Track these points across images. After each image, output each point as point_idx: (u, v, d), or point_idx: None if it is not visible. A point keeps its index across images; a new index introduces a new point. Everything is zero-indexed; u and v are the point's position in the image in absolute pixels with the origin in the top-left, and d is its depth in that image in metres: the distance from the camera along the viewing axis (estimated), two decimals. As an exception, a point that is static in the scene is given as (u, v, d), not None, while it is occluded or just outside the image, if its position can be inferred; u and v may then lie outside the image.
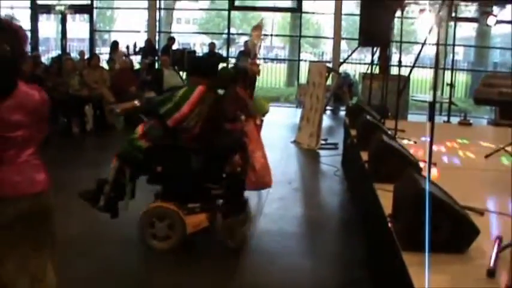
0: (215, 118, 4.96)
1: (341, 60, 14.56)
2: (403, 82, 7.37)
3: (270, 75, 19.52)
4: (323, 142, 9.65)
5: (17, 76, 2.55)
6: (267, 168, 4.94)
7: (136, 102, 6.00)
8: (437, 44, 4.43)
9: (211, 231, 5.06)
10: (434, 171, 5.11)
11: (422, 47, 5.62)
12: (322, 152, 9.31)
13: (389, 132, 5.93)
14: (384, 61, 9.99)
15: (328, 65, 11.26)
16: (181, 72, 13.09)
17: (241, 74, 6.24)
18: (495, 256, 3.13)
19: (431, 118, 9.34)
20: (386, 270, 3.77)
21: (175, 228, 4.83)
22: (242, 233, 5.07)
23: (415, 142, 6.59)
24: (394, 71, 11.38)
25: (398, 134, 6.38)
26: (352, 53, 13.65)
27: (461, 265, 3.19)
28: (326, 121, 12.45)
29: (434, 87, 4.94)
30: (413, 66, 6.25)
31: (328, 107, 13.08)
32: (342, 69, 14.06)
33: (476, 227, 3.37)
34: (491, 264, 3.04)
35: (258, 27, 9.17)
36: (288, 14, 22.10)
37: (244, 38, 15.56)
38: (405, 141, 6.32)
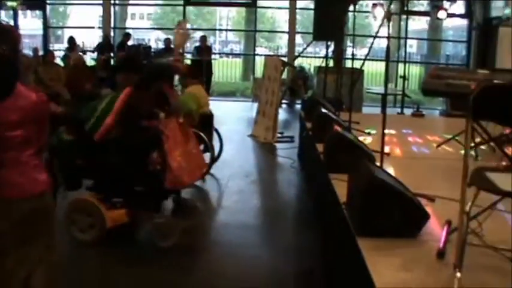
0: (129, 114, 5.02)
1: (296, 54, 14.69)
2: (357, 75, 7.54)
3: (226, 70, 19.55)
4: (279, 135, 9.77)
5: (16, 77, 2.57)
6: (184, 168, 4.94)
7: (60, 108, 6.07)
8: (388, 37, 4.56)
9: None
10: (388, 161, 5.27)
11: (373, 40, 5.76)
12: (278, 145, 9.42)
13: (344, 124, 6.06)
14: (338, 55, 10.15)
15: (283, 59, 11.35)
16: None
17: (166, 71, 6.25)
18: (444, 239, 3.27)
19: (384, 110, 9.50)
20: (341, 257, 3.89)
21: (95, 221, 4.89)
22: (174, 232, 5.04)
23: (369, 133, 6.75)
24: (349, 64, 11.59)
25: (353, 126, 6.53)
26: (306, 47, 13.79)
27: (413, 248, 3.32)
28: (282, 114, 12.58)
29: (386, 80, 5.03)
30: (364, 59, 6.39)
31: (283, 101, 13.21)
32: (297, 63, 14.19)
33: (427, 212, 3.52)
34: (441, 246, 3.18)
35: (183, 24, 9.24)
36: (243, 9, 22.12)
37: (200, 33, 15.56)
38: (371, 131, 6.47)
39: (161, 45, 16.13)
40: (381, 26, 5.51)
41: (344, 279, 3.76)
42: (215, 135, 7.61)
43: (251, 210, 6.25)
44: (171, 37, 15.47)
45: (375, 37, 5.62)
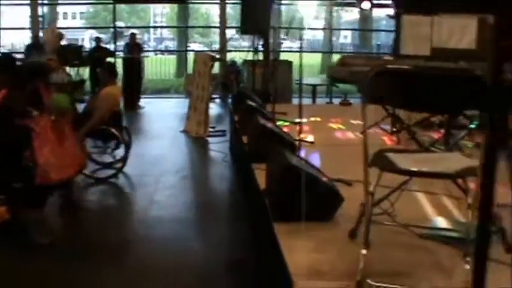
0: (3, 114, 5.09)
1: (228, 49, 14.79)
2: (274, 67, 7.70)
3: (160, 67, 19.52)
4: (211, 130, 9.85)
5: None
6: (52, 164, 5.02)
7: None
8: (302, 29, 4.69)
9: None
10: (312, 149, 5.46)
11: (301, 32, 5.88)
12: (211, 140, 9.51)
13: (268, 115, 6.20)
14: (267, 48, 10.28)
15: (213, 54, 11.43)
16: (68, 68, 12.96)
17: (41, 70, 6.28)
18: (358, 220, 3.44)
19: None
20: (265, 245, 4.02)
21: None
22: (50, 229, 5.10)
23: (296, 123, 6.92)
24: (284, 56, 11.74)
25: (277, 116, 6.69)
26: (228, 41, 13.82)
27: (327, 231, 3.48)
28: (215, 109, 12.70)
29: (300, 71, 5.11)
30: (299, 51, 6.53)
31: (216, 95, 13.32)
32: (229, 57, 14.29)
33: (341, 196, 3.68)
34: (354, 226, 3.35)
35: (53, 24, 9.27)
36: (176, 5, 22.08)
37: (133, 31, 15.48)
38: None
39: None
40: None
41: (268, 266, 3.90)
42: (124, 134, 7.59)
43: (183, 204, 6.32)
44: (102, 36, 15.39)
45: (299, 28, 5.73)
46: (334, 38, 26.27)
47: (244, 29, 9.39)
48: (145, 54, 15.48)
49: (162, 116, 11.96)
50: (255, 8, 8.56)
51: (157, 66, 19.37)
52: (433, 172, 2.79)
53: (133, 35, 14.23)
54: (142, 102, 13.62)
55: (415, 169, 2.75)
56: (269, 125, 5.11)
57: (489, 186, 1.69)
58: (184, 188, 6.98)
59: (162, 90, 17.20)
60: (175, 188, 6.84)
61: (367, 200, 2.95)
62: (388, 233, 3.55)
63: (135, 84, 13.13)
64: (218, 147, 8.84)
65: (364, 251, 2.83)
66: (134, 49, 13.57)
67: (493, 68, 1.71)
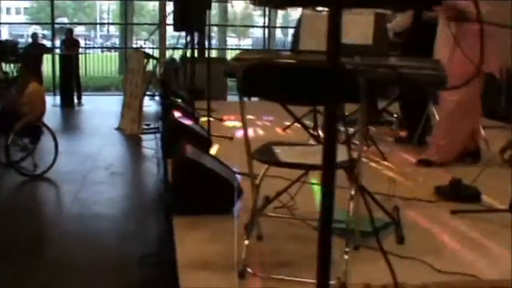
0: None
1: (173, 46, 14.70)
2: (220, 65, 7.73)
3: (102, 64, 19.37)
4: (145, 127, 9.84)
5: None
6: None
7: None
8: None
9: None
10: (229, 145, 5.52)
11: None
12: (144, 137, 9.48)
13: (190, 111, 6.24)
14: (199, 44, 10.33)
15: (146, 51, 11.43)
16: (4, 64, 12.79)
17: None
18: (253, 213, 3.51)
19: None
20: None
21: None
22: None
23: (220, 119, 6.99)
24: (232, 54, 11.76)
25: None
26: (150, 34, 13.62)
27: (225, 223, 3.54)
28: (153, 107, 12.68)
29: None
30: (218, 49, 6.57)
31: (154, 93, 13.29)
32: (168, 54, 14.22)
33: (241, 189, 3.75)
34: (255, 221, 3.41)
35: None
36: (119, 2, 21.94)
37: (80, 28, 15.33)
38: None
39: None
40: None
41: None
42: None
43: (107, 200, 6.32)
44: (38, 32, 15.18)
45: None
46: (281, 36, 26.49)
47: (178, 26, 9.37)
48: (90, 51, 15.32)
49: (100, 114, 11.87)
50: (190, 4, 8.54)
51: (101, 63, 19.20)
52: (305, 164, 2.87)
53: (69, 31, 14.06)
54: (83, 99, 13.53)
55: (289, 161, 2.83)
56: (185, 120, 5.16)
57: (330, 175, 1.75)
58: (110, 185, 6.96)
59: (103, 87, 17.08)
60: (102, 185, 6.83)
61: (254, 193, 3.01)
62: (286, 225, 3.64)
63: (71, 81, 13.00)
64: (151, 144, 8.82)
65: (246, 242, 2.90)
66: (71, 45, 13.42)
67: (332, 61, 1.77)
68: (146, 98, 11.16)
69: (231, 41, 27.82)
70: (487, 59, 5.05)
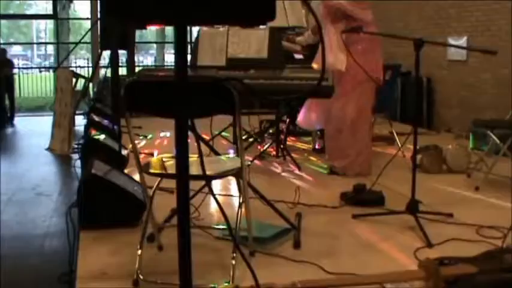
0: None
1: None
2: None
3: (38, 84, 19.19)
4: (76, 146, 9.80)
5: None
6: None
7: None
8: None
9: None
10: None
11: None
12: (75, 156, 9.44)
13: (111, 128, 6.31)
14: (132, 63, 10.39)
15: (75, 70, 11.43)
16: None
17: None
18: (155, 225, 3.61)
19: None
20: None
21: None
22: None
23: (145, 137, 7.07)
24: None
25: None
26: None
27: (130, 235, 3.63)
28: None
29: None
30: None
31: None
32: (102, 73, 14.23)
33: (144, 203, 3.84)
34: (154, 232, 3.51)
35: None
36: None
37: (17, 48, 15.15)
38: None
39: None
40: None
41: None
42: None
43: (30, 221, 6.28)
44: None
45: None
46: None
47: (104, 45, 9.41)
48: (28, 71, 15.13)
49: (32, 134, 11.77)
50: (116, 23, 8.59)
51: (38, 83, 19.02)
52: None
53: (2, 51, 13.90)
54: (15, 120, 13.37)
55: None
56: (102, 138, 5.22)
57: (183, 184, 1.85)
58: (35, 205, 6.93)
59: (38, 107, 16.91)
60: (26, 205, 6.79)
61: (148, 204, 3.11)
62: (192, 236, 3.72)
63: (2, 102, 12.86)
64: (79, 163, 8.81)
65: (139, 252, 3.00)
66: (3, 66, 13.27)
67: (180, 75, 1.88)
68: (80, 117, 11.12)
69: (170, 57, 27.85)
70: (375, 64, 5.33)
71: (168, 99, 2.74)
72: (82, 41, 12.88)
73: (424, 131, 8.69)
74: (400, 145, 6.59)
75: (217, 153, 3.80)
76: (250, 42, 3.86)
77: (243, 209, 3.12)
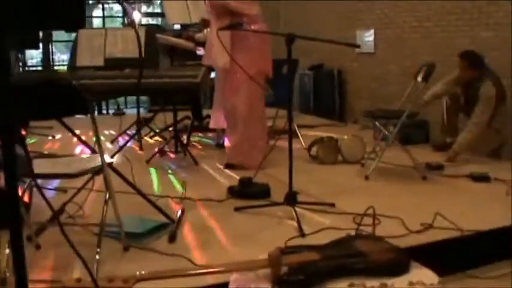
0: None
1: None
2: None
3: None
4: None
5: None
6: None
7: None
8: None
9: None
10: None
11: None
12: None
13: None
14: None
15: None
16: None
17: None
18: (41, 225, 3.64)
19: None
20: None
21: None
22: None
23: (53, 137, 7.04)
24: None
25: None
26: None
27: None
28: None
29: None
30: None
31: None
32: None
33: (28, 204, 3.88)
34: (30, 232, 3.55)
35: None
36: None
37: None
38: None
39: None
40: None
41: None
42: None
43: None
44: None
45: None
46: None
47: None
48: None
49: None
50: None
51: None
52: (50, 173, 3.05)
53: None
54: None
55: (39, 172, 3.00)
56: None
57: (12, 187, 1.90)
58: None
59: None
60: None
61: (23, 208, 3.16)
62: (70, 233, 3.77)
63: None
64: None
65: (7, 251, 3.03)
66: None
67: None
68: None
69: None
70: (263, 59, 5.46)
71: (32, 102, 2.80)
72: None
73: (333, 123, 8.90)
74: (301, 138, 6.78)
75: (94, 152, 3.85)
76: (127, 42, 3.93)
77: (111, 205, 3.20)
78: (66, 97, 2.72)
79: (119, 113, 9.59)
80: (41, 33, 9.46)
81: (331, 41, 4.43)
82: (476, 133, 5.82)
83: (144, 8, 18.45)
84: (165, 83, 3.48)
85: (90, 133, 7.70)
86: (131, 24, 7.59)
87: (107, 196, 3.22)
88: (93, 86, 3.23)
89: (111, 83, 3.44)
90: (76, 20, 1.89)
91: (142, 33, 3.98)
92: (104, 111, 10.94)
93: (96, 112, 11.39)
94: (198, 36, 6.18)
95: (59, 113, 3.01)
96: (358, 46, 4.37)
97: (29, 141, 6.85)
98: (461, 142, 5.89)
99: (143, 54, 3.89)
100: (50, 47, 11.66)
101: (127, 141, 5.40)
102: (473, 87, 5.94)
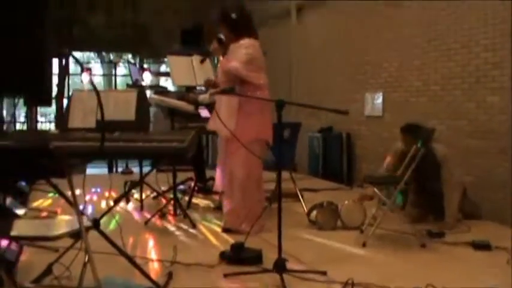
0: None
1: None
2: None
3: None
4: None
5: None
6: None
7: None
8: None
9: None
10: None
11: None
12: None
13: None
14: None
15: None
16: None
17: None
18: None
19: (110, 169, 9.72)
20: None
21: None
22: None
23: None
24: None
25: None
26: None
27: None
28: None
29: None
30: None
31: None
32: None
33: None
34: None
35: None
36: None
37: None
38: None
39: None
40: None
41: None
42: None
43: None
44: None
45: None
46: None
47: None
48: None
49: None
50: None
51: None
52: (26, 236, 3.03)
53: None
54: None
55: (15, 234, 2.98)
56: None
57: None
58: None
59: None
60: None
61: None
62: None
63: None
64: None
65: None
66: None
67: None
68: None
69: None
70: (263, 125, 5.46)
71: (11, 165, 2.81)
72: None
73: (339, 186, 8.83)
74: (303, 202, 6.69)
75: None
76: (119, 104, 3.95)
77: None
78: (39, 161, 2.72)
79: (127, 171, 9.61)
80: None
81: (318, 107, 4.43)
82: (459, 193, 5.87)
83: (163, 68, 18.77)
84: (145, 148, 3.47)
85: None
86: (135, 84, 7.70)
87: (86, 259, 3.18)
88: (66, 149, 3.22)
89: (78, 145, 3.44)
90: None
91: (134, 95, 3.99)
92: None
93: (107, 170, 11.47)
94: (203, 97, 6.20)
95: (32, 176, 3.02)
96: (347, 113, 4.38)
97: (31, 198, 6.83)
98: (451, 212, 5.82)
99: (134, 117, 3.90)
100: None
101: (115, 204, 5.30)
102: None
